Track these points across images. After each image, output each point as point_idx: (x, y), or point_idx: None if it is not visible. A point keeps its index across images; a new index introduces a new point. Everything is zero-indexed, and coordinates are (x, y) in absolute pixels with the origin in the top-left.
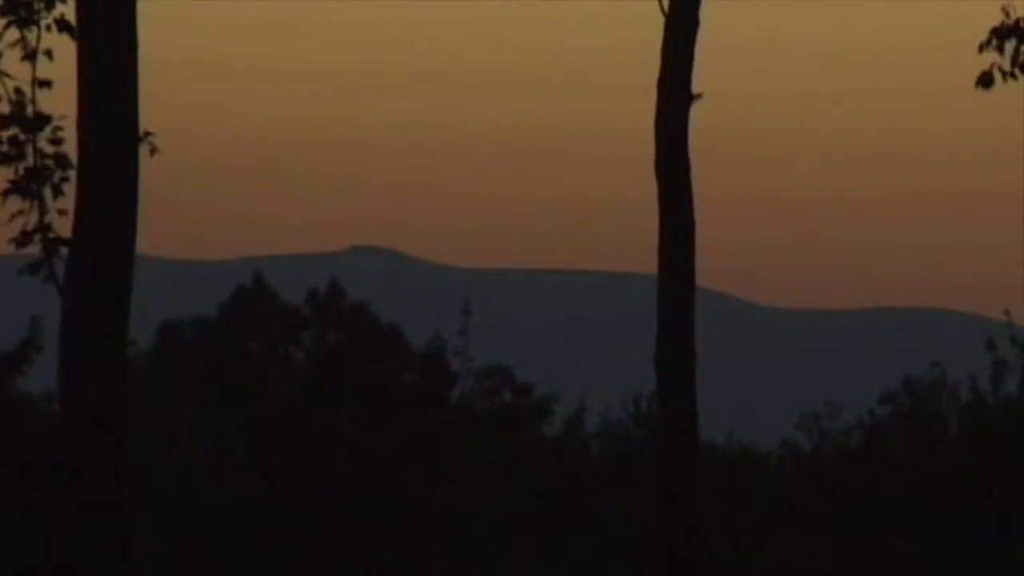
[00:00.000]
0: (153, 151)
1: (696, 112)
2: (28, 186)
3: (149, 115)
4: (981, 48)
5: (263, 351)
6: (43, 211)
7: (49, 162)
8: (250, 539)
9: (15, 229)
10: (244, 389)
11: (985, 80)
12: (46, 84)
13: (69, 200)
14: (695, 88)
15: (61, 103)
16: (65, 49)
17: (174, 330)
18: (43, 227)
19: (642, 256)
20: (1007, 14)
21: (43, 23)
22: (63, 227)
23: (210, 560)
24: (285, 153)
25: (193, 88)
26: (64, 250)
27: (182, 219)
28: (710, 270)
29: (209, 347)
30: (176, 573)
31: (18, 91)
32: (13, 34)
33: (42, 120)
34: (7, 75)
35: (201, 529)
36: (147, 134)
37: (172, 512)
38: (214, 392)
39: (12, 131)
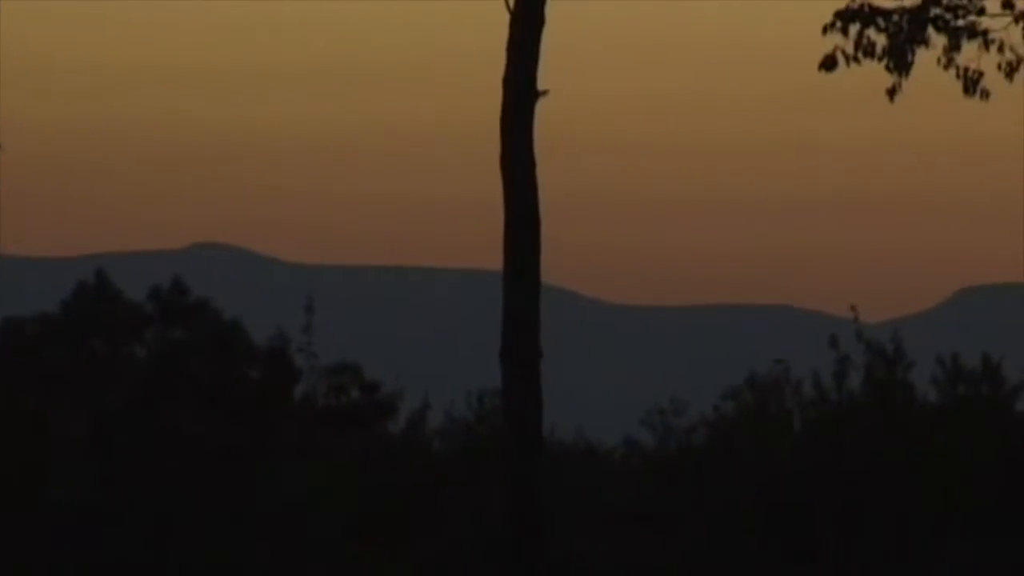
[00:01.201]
0: None
1: (542, 108)
2: None
3: None
4: (825, 30)
5: (106, 349)
6: None
7: None
8: (92, 540)
9: None
10: (86, 387)
11: (828, 63)
12: None
13: None
14: (541, 85)
15: None
16: None
17: (16, 327)
18: None
19: (490, 253)
20: None
21: None
22: None
23: (50, 561)
24: (129, 150)
25: (36, 84)
26: None
27: (25, 216)
28: (556, 267)
29: (51, 345)
30: (16, 573)
31: None
32: None
33: None
34: None
35: (42, 529)
36: None
37: (12, 512)
38: (56, 390)
39: None
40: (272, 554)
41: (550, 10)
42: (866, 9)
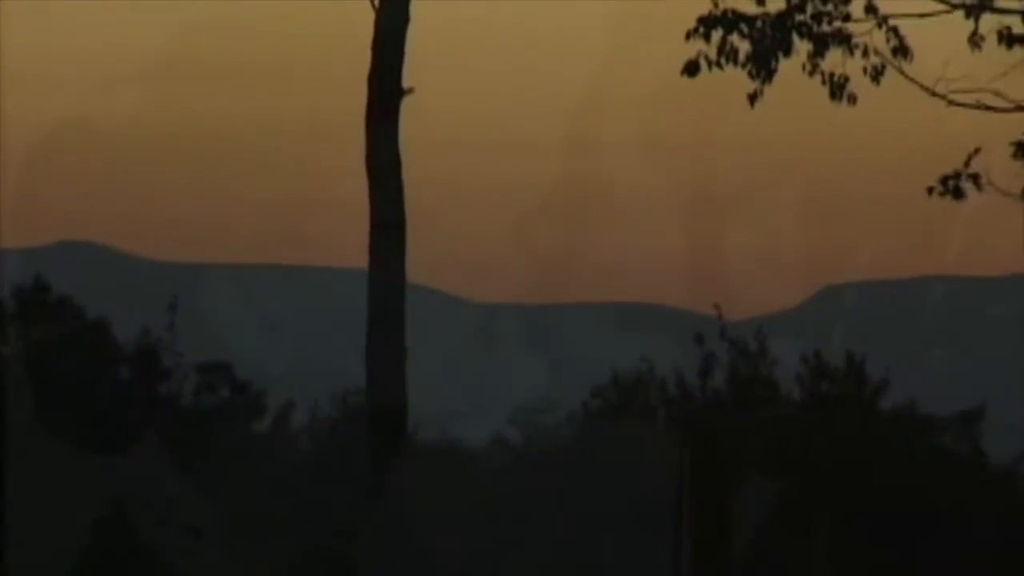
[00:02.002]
0: None
1: (407, 106)
2: None
3: None
4: (688, 36)
5: None
6: None
7: None
8: None
9: None
10: None
11: (691, 68)
12: None
13: None
14: (406, 83)
15: None
16: None
17: None
18: None
19: (359, 251)
20: (715, 3)
21: None
22: None
23: None
24: None
25: None
26: None
27: None
28: (421, 266)
29: None
30: None
31: None
32: None
33: None
34: None
35: None
36: None
37: None
38: None
39: None
40: (133, 550)
41: (415, 9)
42: (730, 15)
